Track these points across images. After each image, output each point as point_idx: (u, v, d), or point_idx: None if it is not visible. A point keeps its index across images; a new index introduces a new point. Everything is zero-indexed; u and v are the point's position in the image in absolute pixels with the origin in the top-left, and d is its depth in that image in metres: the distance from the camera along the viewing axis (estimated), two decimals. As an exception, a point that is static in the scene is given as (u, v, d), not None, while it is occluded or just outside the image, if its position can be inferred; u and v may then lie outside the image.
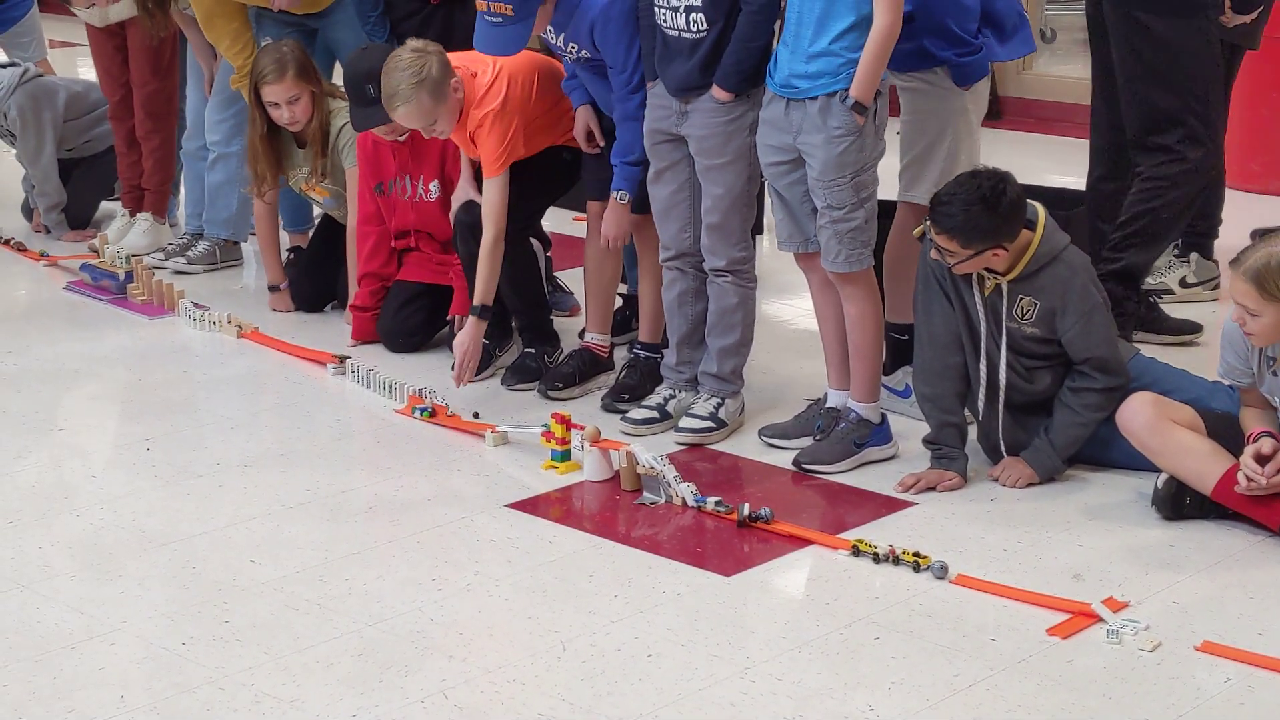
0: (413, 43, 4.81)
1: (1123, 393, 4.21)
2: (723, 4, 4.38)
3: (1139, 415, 4.10)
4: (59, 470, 4.58)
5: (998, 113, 8.52)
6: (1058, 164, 7.55)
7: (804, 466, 4.44)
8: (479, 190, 5.00)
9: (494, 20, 4.54)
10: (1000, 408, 4.29)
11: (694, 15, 4.41)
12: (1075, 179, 5.97)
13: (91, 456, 4.71)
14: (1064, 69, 9.41)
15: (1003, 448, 4.33)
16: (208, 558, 3.96)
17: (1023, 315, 4.20)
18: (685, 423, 4.68)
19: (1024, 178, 4.35)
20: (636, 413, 4.76)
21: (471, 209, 5.01)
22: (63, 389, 5.24)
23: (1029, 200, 4.28)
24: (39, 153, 6.85)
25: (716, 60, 4.42)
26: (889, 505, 4.23)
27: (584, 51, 4.67)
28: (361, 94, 5.09)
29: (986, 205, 4.05)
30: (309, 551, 3.97)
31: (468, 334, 4.89)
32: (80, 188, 7.02)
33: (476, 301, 4.87)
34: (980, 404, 4.30)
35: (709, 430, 4.66)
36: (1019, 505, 4.21)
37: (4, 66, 6.99)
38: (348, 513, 4.22)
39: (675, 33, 4.45)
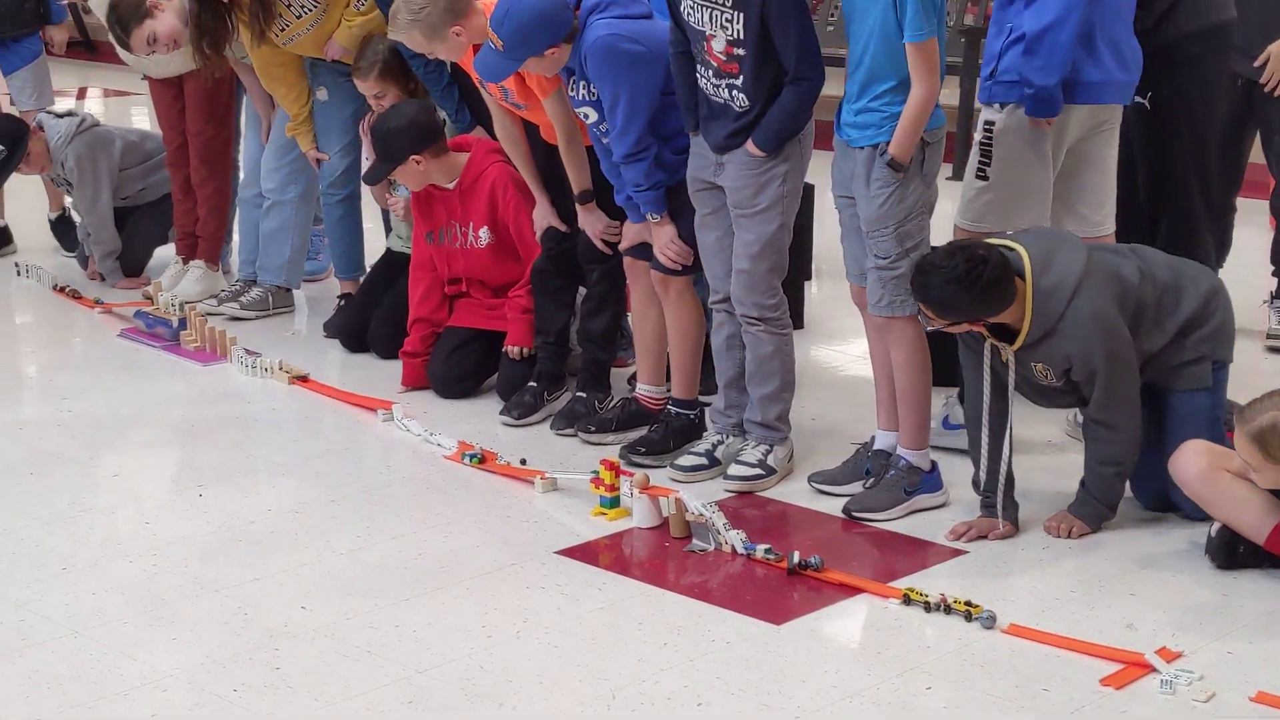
0: None
1: (1134, 444, 4.18)
2: (764, 85, 4.38)
3: (1192, 465, 4.07)
4: (112, 516, 4.61)
5: None
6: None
7: (854, 515, 4.43)
8: (558, 215, 5.22)
9: (490, 45, 4.64)
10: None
11: (736, 93, 4.42)
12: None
13: (145, 502, 4.74)
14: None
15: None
16: (259, 604, 3.97)
17: (1044, 376, 4.19)
18: (734, 470, 4.67)
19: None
20: (685, 459, 4.75)
21: (553, 235, 5.24)
22: (117, 435, 5.28)
23: (1026, 248, 4.15)
24: (95, 201, 6.93)
25: (754, 125, 4.43)
26: (940, 554, 4.22)
27: (594, 88, 4.68)
28: (374, 149, 5.51)
29: (961, 285, 4.01)
30: (359, 598, 3.99)
31: (587, 219, 5.03)
32: (135, 235, 7.09)
33: (578, 190, 5.01)
34: (983, 450, 4.26)
35: (758, 477, 4.65)
36: (1071, 554, 4.18)
37: (61, 116, 7.07)
38: (398, 559, 4.23)
39: (721, 101, 4.47)
